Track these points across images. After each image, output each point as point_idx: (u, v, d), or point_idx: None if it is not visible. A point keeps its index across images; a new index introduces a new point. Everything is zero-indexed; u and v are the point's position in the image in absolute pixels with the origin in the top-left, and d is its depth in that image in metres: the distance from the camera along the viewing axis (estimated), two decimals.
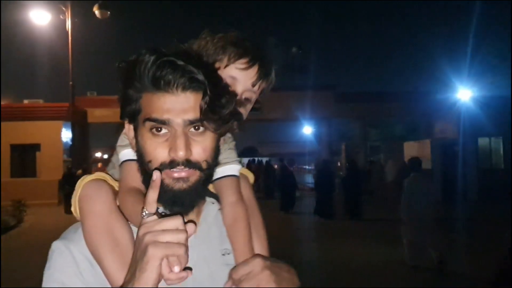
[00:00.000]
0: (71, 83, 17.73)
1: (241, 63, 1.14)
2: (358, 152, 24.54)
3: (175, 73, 0.93)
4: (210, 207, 1.13)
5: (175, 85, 0.94)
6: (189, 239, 0.84)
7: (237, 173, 1.15)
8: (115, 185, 1.07)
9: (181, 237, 0.81)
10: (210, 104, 0.95)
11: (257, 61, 1.15)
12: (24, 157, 17.53)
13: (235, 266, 1.01)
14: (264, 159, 27.58)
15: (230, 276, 0.99)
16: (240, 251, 1.06)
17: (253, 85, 1.16)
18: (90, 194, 1.03)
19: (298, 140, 41.68)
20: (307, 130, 29.86)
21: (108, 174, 1.12)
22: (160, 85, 0.94)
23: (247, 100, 1.18)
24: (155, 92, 0.95)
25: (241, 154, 1.21)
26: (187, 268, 0.83)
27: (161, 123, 0.95)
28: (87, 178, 1.06)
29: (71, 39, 17.71)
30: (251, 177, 1.27)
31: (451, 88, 20.25)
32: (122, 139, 1.11)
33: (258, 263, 0.98)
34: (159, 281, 0.81)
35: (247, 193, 1.18)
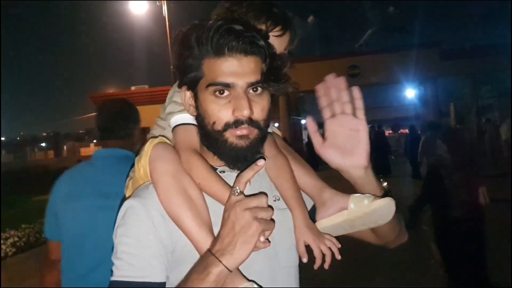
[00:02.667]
0: (172, 67, 18.31)
1: (276, 30, 1.20)
2: (469, 111, 22.72)
3: (238, 39, 0.99)
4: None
5: (238, 50, 1.00)
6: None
7: (271, 131, 1.25)
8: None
9: (271, 214, 0.95)
10: (269, 67, 1.06)
11: (288, 29, 1.23)
12: None
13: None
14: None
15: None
16: (288, 194, 1.18)
17: (285, 49, 1.25)
18: (162, 155, 1.09)
19: (400, 104, 39.91)
20: (410, 93, 28.28)
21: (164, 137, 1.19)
22: (224, 50, 1.00)
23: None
24: (218, 57, 1.01)
25: None
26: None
27: (225, 86, 1.02)
28: (154, 141, 1.13)
29: (169, 24, 18.27)
30: (278, 132, 1.41)
31: None
32: (173, 107, 1.18)
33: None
34: None
35: (280, 142, 1.30)
